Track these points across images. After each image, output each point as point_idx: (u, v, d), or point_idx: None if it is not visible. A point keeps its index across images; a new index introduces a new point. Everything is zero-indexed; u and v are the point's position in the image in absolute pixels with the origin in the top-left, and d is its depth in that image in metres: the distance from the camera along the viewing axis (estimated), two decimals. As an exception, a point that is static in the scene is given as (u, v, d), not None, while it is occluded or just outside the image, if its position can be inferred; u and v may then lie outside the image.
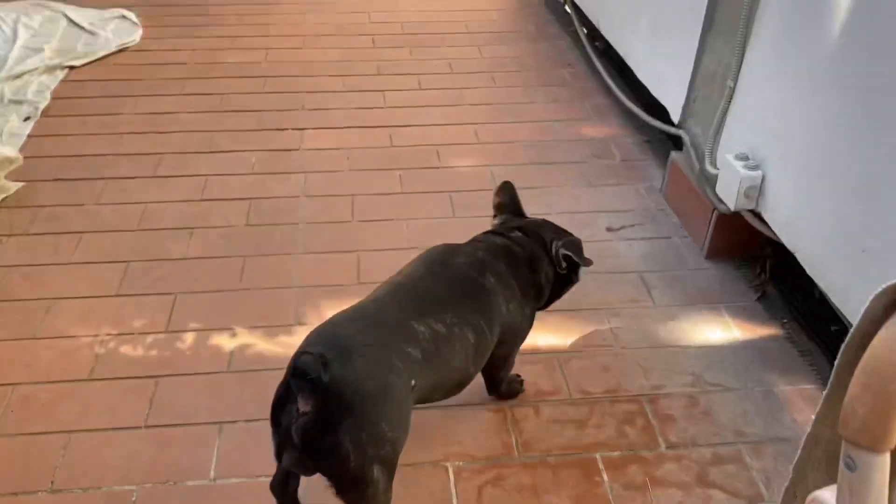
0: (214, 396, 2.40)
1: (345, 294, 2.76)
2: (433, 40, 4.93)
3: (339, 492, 1.65)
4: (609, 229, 3.20)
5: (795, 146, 2.53)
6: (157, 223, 3.18)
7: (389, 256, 2.94)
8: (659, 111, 3.64)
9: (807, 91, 2.44)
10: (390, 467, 1.71)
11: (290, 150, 3.71)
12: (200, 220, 3.19)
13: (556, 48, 4.86)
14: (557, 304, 2.38)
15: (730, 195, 2.73)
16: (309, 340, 1.69)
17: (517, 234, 2.22)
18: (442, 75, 4.47)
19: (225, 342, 2.60)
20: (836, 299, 2.35)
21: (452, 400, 2.20)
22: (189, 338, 2.61)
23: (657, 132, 3.87)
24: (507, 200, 2.34)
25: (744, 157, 2.71)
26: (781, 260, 2.81)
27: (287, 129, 3.88)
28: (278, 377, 1.64)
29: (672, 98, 3.38)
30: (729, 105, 2.86)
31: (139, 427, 2.29)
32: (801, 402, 2.43)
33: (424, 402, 1.91)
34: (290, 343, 2.59)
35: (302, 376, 1.51)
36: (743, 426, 2.35)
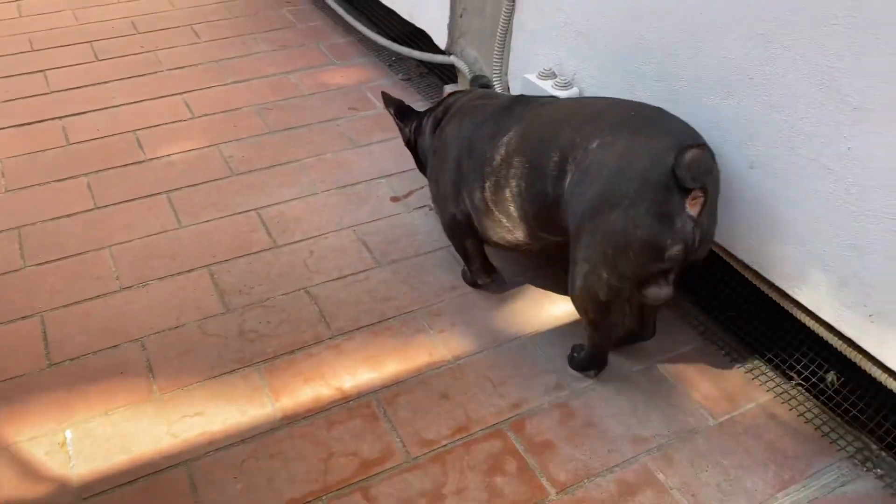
0: None
1: (31, 386, 1.78)
2: (105, -4, 3.76)
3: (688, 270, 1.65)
4: (395, 199, 2.44)
5: (614, 45, 1.92)
6: None
7: (95, 310, 1.98)
8: (415, 38, 2.91)
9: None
10: None
11: None
12: None
13: (267, -15, 3.93)
14: (357, 320, 2.01)
15: (543, 126, 2.08)
16: (647, 136, 1.55)
17: None
18: (125, 38, 3.37)
19: None
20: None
21: None
22: None
23: (416, 66, 3.16)
24: None
25: (550, 75, 2.07)
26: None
27: None
28: None
29: (431, 18, 2.66)
30: (513, 10, 2.19)
31: None
32: (692, 371, 1.89)
33: None
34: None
35: (707, 172, 1.46)
36: (639, 429, 1.76)
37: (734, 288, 2.01)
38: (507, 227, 1.85)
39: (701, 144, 1.47)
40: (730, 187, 1.76)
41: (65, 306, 2.01)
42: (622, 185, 1.51)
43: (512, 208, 1.79)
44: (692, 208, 1.48)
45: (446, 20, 2.55)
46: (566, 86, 2.02)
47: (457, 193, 1.92)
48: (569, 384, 1.86)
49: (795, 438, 1.73)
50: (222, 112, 2.85)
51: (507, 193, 1.78)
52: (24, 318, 1.98)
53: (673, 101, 1.81)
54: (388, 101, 2.17)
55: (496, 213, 1.84)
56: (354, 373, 1.86)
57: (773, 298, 1.80)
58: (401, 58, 3.16)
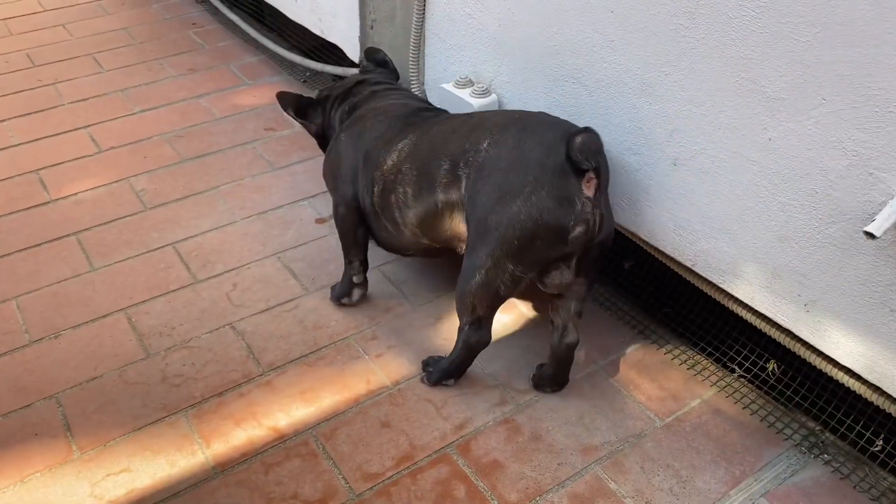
0: None
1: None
2: (-4, 29, 3.56)
3: (601, 259, 1.67)
4: (320, 221, 2.36)
5: (528, 48, 1.88)
6: None
7: (3, 368, 1.88)
8: (330, 51, 2.83)
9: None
10: None
11: None
12: None
13: (169, 7, 3.78)
14: (288, 353, 1.92)
15: (464, 136, 2.03)
16: (535, 130, 1.60)
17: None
18: (21, 72, 3.19)
19: None
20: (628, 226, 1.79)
21: None
22: None
23: (331, 80, 3.07)
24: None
25: (467, 83, 2.02)
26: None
27: None
28: None
29: (341, 31, 2.59)
30: (423, 19, 2.14)
31: None
32: (634, 372, 1.86)
33: None
34: None
35: (598, 152, 1.52)
36: (587, 438, 1.72)
37: (669, 284, 1.99)
38: (392, 232, 1.86)
39: (587, 129, 1.54)
40: (655, 185, 1.73)
41: (-32, 368, 1.86)
42: (521, 174, 1.55)
43: (396, 215, 1.81)
44: (588, 189, 1.54)
45: (357, 32, 2.48)
46: (484, 93, 1.97)
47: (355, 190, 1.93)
48: (512, 398, 1.81)
49: (742, 432, 1.72)
50: (131, 143, 2.71)
51: (393, 199, 1.79)
52: (-78, 385, 1.82)
53: (591, 102, 1.78)
54: (286, 102, 2.09)
55: (382, 219, 1.86)
56: (289, 409, 1.77)
57: (708, 293, 1.79)
58: (316, 73, 3.08)
